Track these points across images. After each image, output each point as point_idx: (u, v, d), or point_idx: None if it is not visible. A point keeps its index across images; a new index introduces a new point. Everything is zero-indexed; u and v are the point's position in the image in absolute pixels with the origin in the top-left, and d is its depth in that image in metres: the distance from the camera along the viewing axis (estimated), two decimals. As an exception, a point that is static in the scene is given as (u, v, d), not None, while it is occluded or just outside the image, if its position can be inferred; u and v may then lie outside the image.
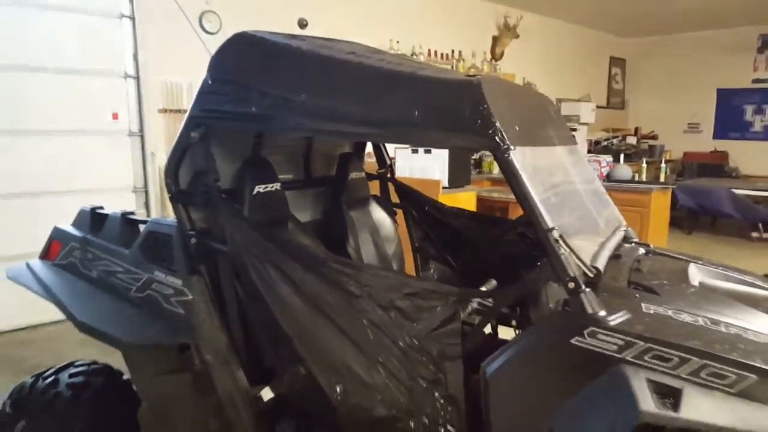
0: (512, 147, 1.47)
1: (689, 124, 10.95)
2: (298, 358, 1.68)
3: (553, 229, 1.45)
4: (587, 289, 1.43)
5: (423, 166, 5.08)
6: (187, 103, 5.32)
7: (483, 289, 1.86)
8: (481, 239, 2.38)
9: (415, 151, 5.10)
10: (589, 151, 8.33)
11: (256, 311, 1.79)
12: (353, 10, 6.49)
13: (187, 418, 1.84)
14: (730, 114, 10.62)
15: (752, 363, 1.32)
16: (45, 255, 2.29)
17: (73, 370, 2.05)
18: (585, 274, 1.47)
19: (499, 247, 2.22)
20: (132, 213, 2.21)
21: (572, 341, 1.41)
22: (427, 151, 4.98)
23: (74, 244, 2.17)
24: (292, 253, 1.71)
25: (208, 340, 1.81)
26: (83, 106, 4.77)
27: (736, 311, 1.59)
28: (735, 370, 1.32)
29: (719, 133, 10.75)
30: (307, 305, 1.67)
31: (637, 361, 1.35)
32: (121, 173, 5.04)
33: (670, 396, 1.29)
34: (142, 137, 5.10)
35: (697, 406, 1.26)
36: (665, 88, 10.91)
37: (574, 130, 8.41)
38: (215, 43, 5.36)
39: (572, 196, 1.96)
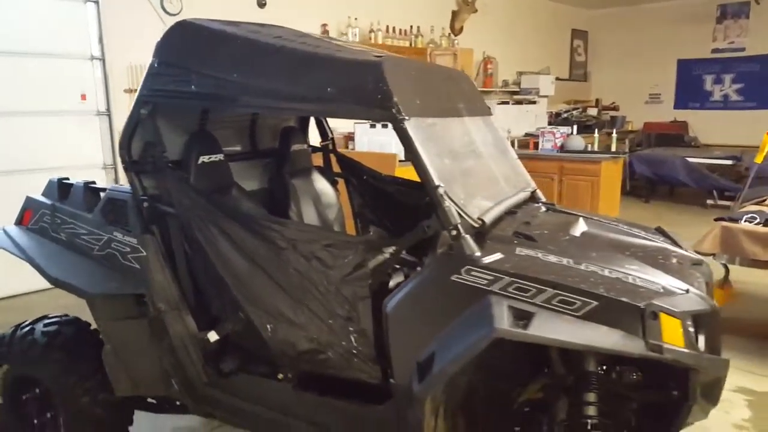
0: (407, 117, 1.77)
1: (650, 95, 11.32)
2: (238, 304, 1.99)
3: (438, 186, 1.75)
4: (467, 236, 1.75)
5: (381, 140, 5.35)
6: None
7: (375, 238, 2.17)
8: (413, 202, 2.69)
9: (372, 126, 5.37)
10: (549, 123, 8.64)
11: (201, 265, 2.10)
12: (313, -13, 6.67)
13: (144, 357, 2.15)
14: (690, 84, 10.99)
15: (595, 292, 1.65)
16: (20, 221, 2.55)
17: (46, 321, 2.34)
18: (470, 224, 1.78)
19: (426, 209, 2.53)
20: (93, 182, 2.48)
21: (452, 278, 1.73)
22: (384, 126, 5.25)
23: (44, 210, 2.44)
24: (230, 214, 2.01)
25: (160, 290, 2.11)
26: (53, 88, 4.96)
27: (603, 254, 1.92)
28: (581, 298, 1.64)
29: (680, 103, 11.13)
30: (244, 259, 1.98)
31: (501, 292, 1.68)
32: (90, 151, 5.26)
33: (524, 319, 1.61)
34: (109, 117, 5.30)
35: (544, 326, 1.59)
36: (627, 60, 11.24)
37: (533, 102, 8.72)
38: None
39: (476, 161, 2.27)
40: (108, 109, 5.29)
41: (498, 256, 1.76)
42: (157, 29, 5.49)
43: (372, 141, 5.38)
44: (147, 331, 2.14)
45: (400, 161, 5.14)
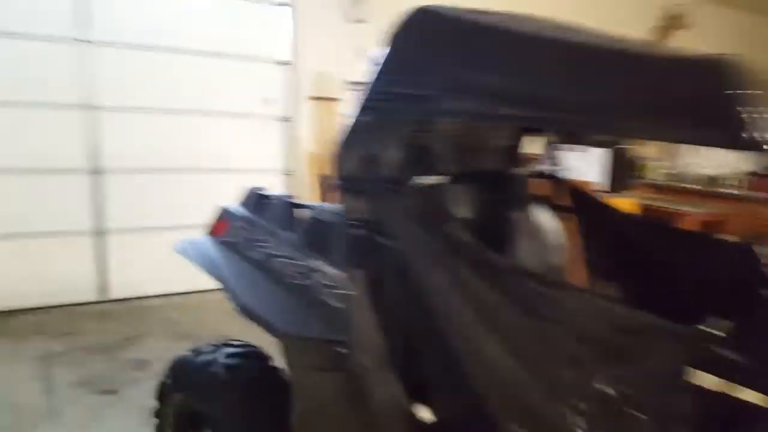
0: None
1: None
2: (467, 381, 1.48)
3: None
4: None
5: (576, 165, 4.65)
6: (335, 92, 5.37)
7: (715, 331, 1.51)
8: (680, 260, 2.01)
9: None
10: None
11: (421, 318, 1.62)
12: None
13: (340, 423, 1.74)
14: None
15: None
16: (211, 231, 2.32)
17: (229, 350, 2.05)
18: None
19: (707, 273, 1.85)
20: (292, 196, 2.15)
21: None
22: (584, 149, 4.55)
23: (239, 223, 2.17)
24: (469, 258, 1.52)
25: (364, 340, 1.68)
26: (237, 90, 4.99)
27: None
28: None
29: None
30: (483, 322, 1.46)
31: None
32: (270, 157, 5.23)
33: None
34: (290, 123, 5.23)
35: None
36: None
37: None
38: (366, 32, 5.47)
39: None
40: (291, 116, 5.23)
41: None
42: (346, 36, 5.52)
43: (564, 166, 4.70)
44: (344, 390, 1.72)
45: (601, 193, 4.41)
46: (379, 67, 1.73)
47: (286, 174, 5.32)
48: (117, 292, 4.75)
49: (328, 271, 1.80)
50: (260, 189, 2.25)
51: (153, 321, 4.37)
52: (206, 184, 4.96)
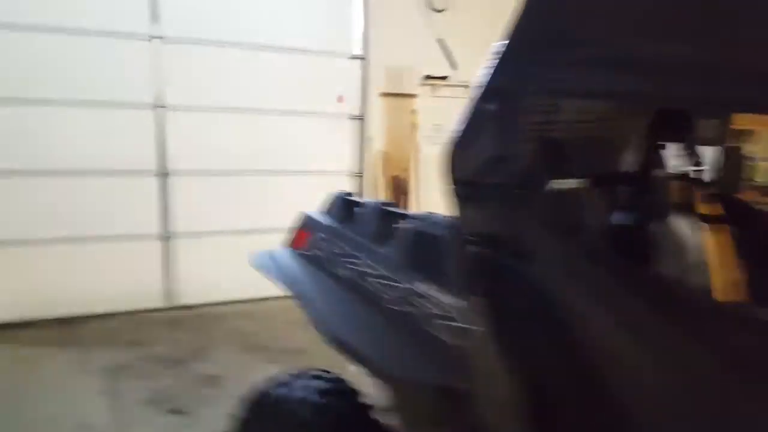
0: None
1: None
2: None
3: None
4: None
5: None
6: (408, 87, 5.04)
7: None
8: None
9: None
10: None
11: (564, 359, 1.25)
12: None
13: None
14: None
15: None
16: (291, 243, 2.03)
17: (315, 384, 1.73)
18: None
19: None
20: (390, 204, 1.81)
21: None
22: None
23: (322, 234, 1.86)
24: (631, 283, 1.13)
25: (490, 388, 1.32)
26: (306, 87, 4.74)
27: None
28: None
29: None
30: (669, 373, 1.07)
31: None
32: (341, 157, 4.95)
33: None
34: (362, 121, 4.94)
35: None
36: None
37: None
38: (443, 22, 5.13)
39: None
40: (362, 113, 4.94)
41: None
42: (421, 27, 5.18)
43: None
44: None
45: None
46: (508, 47, 1.37)
47: (356, 175, 5.03)
48: (184, 298, 4.60)
49: (438, 297, 1.45)
50: (348, 194, 1.93)
51: (222, 330, 4.17)
52: (274, 187, 4.74)
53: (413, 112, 5.11)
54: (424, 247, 1.53)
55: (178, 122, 4.34)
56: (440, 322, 1.44)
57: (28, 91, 3.92)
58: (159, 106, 4.26)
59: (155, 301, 4.51)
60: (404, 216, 1.68)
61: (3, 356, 3.63)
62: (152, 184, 4.36)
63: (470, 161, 1.46)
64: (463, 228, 1.42)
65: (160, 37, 4.20)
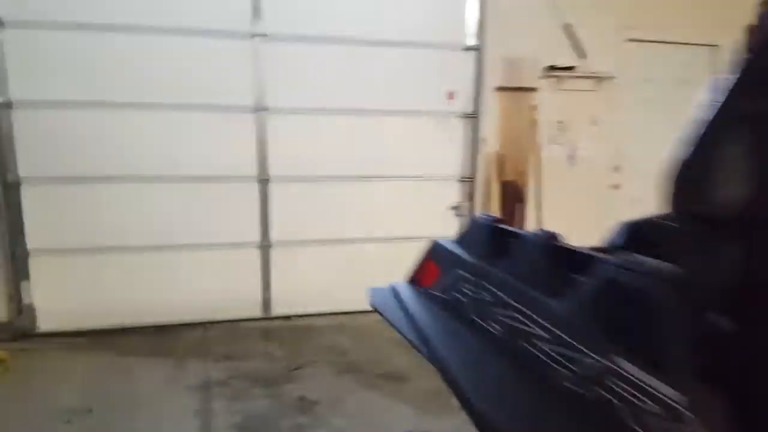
0: None
1: None
2: None
3: None
4: None
5: None
6: (528, 80, 4.46)
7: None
8: None
9: None
10: None
11: None
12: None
13: None
14: None
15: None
16: (415, 277, 1.59)
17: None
18: None
19: None
20: (556, 236, 1.31)
21: None
22: None
23: (462, 272, 1.40)
24: None
25: None
26: (418, 85, 4.30)
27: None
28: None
29: None
30: None
31: None
32: (449, 160, 4.48)
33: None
34: (475, 119, 4.43)
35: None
36: None
37: None
38: (569, 6, 4.50)
39: None
40: (475, 111, 4.43)
41: None
42: (544, 12, 4.57)
43: None
44: None
45: None
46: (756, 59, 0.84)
47: (465, 180, 4.53)
48: (280, 308, 4.34)
49: (651, 383, 0.94)
50: (497, 220, 1.44)
51: (317, 347, 3.85)
52: (375, 193, 4.37)
53: (533, 107, 4.53)
54: (618, 302, 1.03)
55: (278, 126, 4.07)
56: (656, 421, 0.94)
57: (129, 95, 3.80)
58: (260, 109, 4.01)
59: (252, 310, 4.28)
60: (590, 258, 1.17)
61: (100, 364, 3.52)
62: (253, 190, 4.13)
63: (704, 187, 0.94)
64: (691, 278, 0.90)
65: (263, 35, 3.94)
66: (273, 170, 4.13)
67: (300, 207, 4.25)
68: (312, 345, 3.86)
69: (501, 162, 4.55)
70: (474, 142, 4.46)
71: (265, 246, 4.23)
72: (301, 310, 4.37)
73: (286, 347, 3.81)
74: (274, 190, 4.17)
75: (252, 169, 4.09)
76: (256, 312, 4.31)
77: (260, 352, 3.72)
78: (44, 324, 3.90)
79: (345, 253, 4.40)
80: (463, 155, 4.49)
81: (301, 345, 3.85)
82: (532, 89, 4.52)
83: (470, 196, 4.53)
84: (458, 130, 4.44)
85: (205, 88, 3.91)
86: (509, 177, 4.60)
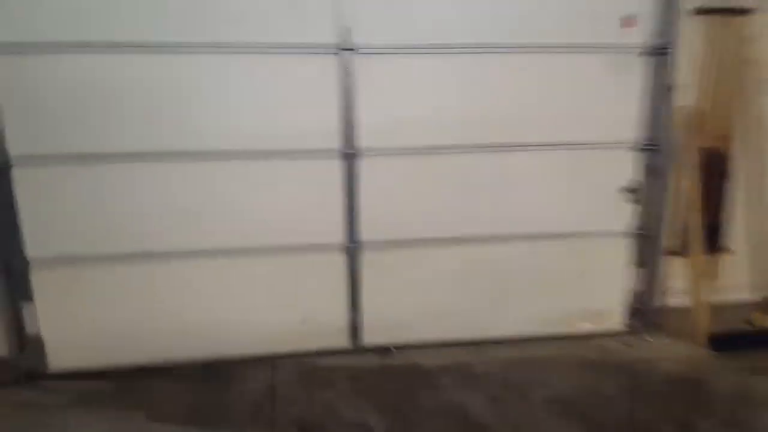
0: None
1: None
2: None
3: None
4: None
5: None
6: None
7: None
8: None
9: None
10: None
11: None
12: None
13: None
14: None
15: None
16: None
17: None
18: None
19: None
20: None
21: None
22: None
23: None
24: None
25: None
26: (580, 3, 2.83)
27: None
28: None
29: None
30: None
31: None
32: (621, 118, 2.99)
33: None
34: (663, 57, 2.92)
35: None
36: None
37: None
38: None
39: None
40: (665, 44, 2.92)
41: None
42: None
43: None
44: None
45: None
46: None
47: (648, 148, 3.04)
48: (373, 336, 3.08)
49: None
50: None
51: (434, 412, 2.54)
52: (511, 169, 2.99)
53: (746, 39, 2.98)
54: None
55: (371, 72, 2.75)
56: None
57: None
58: (345, 47, 2.70)
59: (335, 338, 3.06)
60: None
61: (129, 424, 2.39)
62: (334, 168, 2.85)
63: None
64: None
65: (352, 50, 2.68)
66: (363, 139, 2.82)
67: (400, 191, 2.94)
68: (426, 410, 2.55)
69: (700, 120, 3.03)
70: (661, 92, 2.95)
71: (352, 248, 2.95)
72: (403, 339, 3.09)
73: (388, 413, 2.52)
74: (365, 168, 2.86)
75: (332, 138, 2.80)
76: (341, 341, 3.07)
77: (350, 423, 2.46)
78: (56, 360, 2.83)
79: (466, 258, 3.07)
80: (644, 111, 3.00)
81: (409, 410, 2.55)
82: (747, 11, 2.96)
83: (652, 172, 3.06)
84: (637, 73, 2.93)
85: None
86: (709, 142, 3.08)
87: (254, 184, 2.81)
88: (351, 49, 2.70)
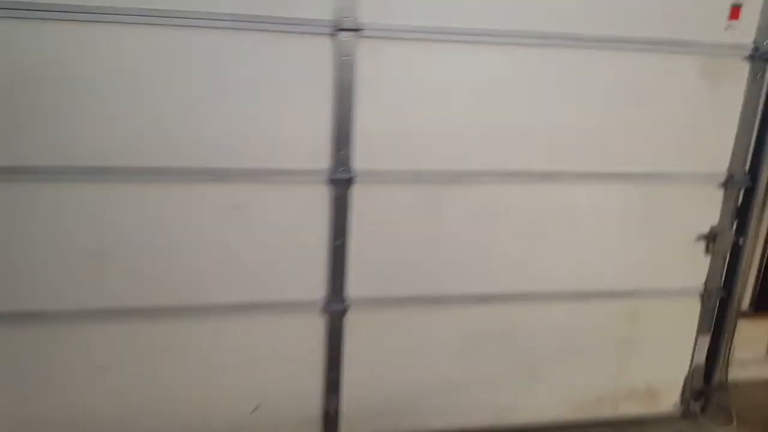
0: None
1: None
2: None
3: None
4: None
5: None
6: None
7: None
8: None
9: None
10: None
11: None
12: None
13: None
14: None
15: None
16: None
17: None
18: None
19: None
20: None
21: None
22: None
23: None
24: None
25: None
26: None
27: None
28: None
29: None
30: None
31: None
32: (711, 143, 2.21)
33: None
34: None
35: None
36: None
37: None
38: None
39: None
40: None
41: None
42: None
43: None
44: None
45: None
46: None
47: (730, 185, 2.29)
48: (354, 427, 2.25)
49: None
50: None
51: None
52: (552, 207, 2.19)
53: None
54: None
55: (374, 70, 1.87)
56: None
57: None
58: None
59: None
60: None
61: None
62: (317, 198, 1.97)
63: None
64: None
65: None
66: (359, 160, 1.96)
67: (402, 231, 2.10)
68: None
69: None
70: (748, 109, 2.20)
71: (335, 309, 2.10)
72: (394, 429, 2.28)
73: None
74: (359, 198, 2.00)
75: (319, 156, 1.93)
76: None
77: None
78: None
79: (485, 321, 2.26)
80: (743, 136, 2.24)
81: None
82: None
83: (738, 214, 2.31)
84: (740, 82, 2.17)
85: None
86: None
87: (193, 214, 1.91)
88: (354, 30, 1.81)
